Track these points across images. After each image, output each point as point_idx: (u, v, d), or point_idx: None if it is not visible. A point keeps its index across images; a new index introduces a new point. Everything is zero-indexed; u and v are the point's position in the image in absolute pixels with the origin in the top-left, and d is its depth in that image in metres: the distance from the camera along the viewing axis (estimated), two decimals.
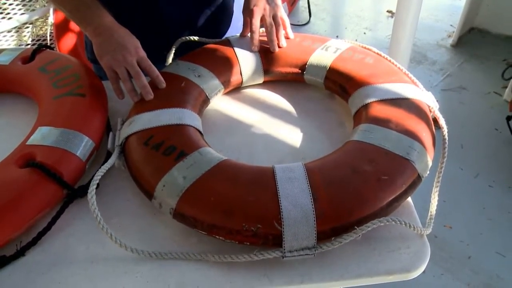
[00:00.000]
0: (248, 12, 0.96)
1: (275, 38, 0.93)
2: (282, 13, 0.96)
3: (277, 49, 0.93)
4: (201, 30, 1.06)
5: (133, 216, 0.70)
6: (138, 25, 0.83)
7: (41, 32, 2.26)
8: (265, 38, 0.94)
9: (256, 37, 0.93)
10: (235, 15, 1.15)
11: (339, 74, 0.85)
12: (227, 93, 0.94)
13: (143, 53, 0.84)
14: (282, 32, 0.95)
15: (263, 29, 0.98)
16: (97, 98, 0.84)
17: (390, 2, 3.29)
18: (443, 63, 2.62)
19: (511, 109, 2.04)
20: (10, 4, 2.06)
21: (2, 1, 2.02)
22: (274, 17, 0.94)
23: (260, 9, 0.94)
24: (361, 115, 0.76)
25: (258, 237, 0.59)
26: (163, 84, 0.83)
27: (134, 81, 0.81)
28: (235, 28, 1.15)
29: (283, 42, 0.94)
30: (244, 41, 0.95)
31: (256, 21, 0.93)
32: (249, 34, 0.95)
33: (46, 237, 0.67)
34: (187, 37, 0.97)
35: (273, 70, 0.93)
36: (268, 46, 0.93)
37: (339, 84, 0.85)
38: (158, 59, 0.98)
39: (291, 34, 0.96)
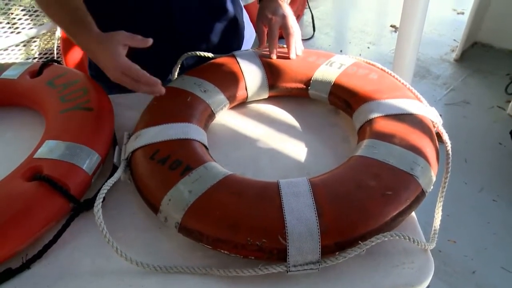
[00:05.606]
0: (265, 20, 0.96)
1: (294, 45, 0.94)
2: (296, 23, 0.97)
3: (295, 56, 0.94)
4: (213, 42, 1.08)
5: (138, 229, 0.70)
6: (151, 36, 0.82)
7: (48, 46, 2.29)
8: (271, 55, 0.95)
9: (276, 45, 0.94)
10: (245, 27, 1.17)
11: (344, 90, 0.86)
12: (232, 108, 0.95)
13: (122, 63, 0.78)
14: (299, 41, 0.96)
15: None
16: (104, 113, 0.84)
17: (393, 17, 3.31)
18: (446, 78, 2.63)
19: None
20: (19, 19, 2.10)
21: (12, 16, 2.06)
22: (291, 26, 0.95)
23: (279, 17, 0.95)
24: (365, 130, 0.77)
25: (262, 251, 0.59)
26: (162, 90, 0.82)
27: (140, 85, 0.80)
28: (245, 39, 1.17)
29: (299, 51, 0.95)
30: (249, 56, 0.96)
31: (276, 30, 0.94)
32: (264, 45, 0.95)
33: (51, 250, 0.67)
34: (192, 52, 0.98)
35: (278, 85, 0.93)
36: (272, 60, 0.94)
37: (344, 99, 0.86)
38: (168, 71, 0.99)
39: (301, 45, 0.97)
